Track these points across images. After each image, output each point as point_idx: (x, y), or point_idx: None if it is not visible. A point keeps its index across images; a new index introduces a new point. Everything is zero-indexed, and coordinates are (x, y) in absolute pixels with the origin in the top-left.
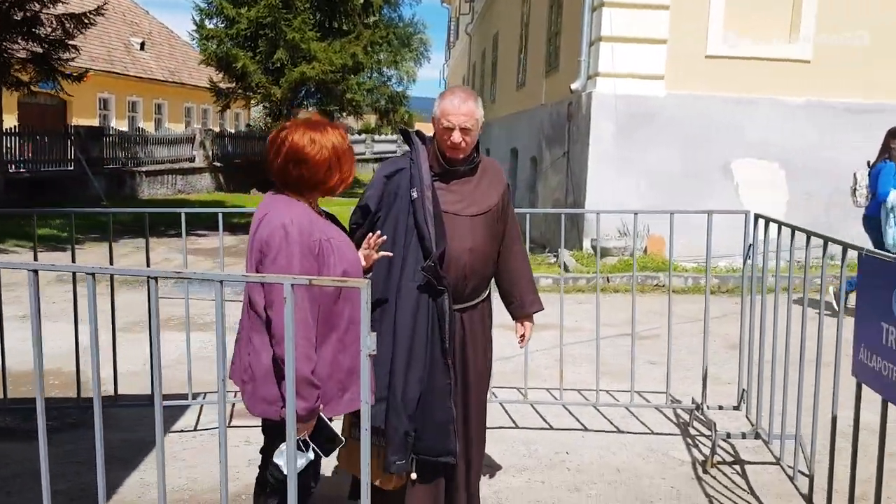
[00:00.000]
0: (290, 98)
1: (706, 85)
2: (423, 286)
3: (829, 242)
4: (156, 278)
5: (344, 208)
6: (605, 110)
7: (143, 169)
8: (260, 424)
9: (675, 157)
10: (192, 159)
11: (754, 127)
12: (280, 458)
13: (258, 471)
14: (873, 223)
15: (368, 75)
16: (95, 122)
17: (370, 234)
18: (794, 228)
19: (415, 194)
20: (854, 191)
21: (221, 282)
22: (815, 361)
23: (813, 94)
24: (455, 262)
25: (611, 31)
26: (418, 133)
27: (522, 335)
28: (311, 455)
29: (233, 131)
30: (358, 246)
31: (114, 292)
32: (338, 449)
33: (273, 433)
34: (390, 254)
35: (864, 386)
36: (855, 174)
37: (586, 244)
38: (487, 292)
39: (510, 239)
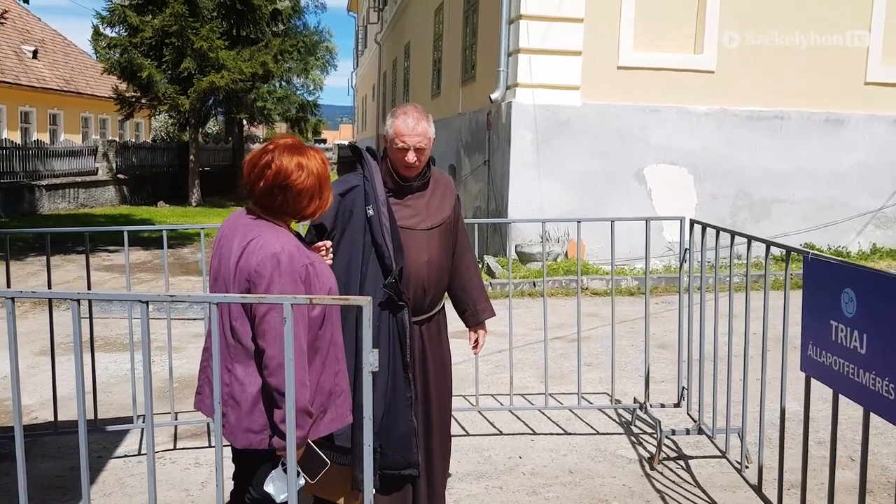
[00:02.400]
0: (198, 108)
1: (619, 95)
2: (384, 302)
3: (758, 243)
4: (146, 302)
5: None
6: (525, 119)
7: (43, 183)
8: (225, 449)
9: (592, 163)
10: (94, 172)
11: (664, 134)
12: (270, 487)
13: (229, 496)
14: None
15: (278, 84)
16: None
17: (321, 243)
18: (733, 233)
19: (371, 211)
20: None
21: (217, 304)
22: (761, 358)
23: (717, 103)
24: (414, 276)
25: (528, 43)
26: (369, 150)
27: (476, 341)
28: (302, 481)
29: (135, 141)
30: None
31: (52, 315)
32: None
33: (253, 461)
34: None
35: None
36: None
37: (510, 250)
38: (443, 303)
39: (461, 249)
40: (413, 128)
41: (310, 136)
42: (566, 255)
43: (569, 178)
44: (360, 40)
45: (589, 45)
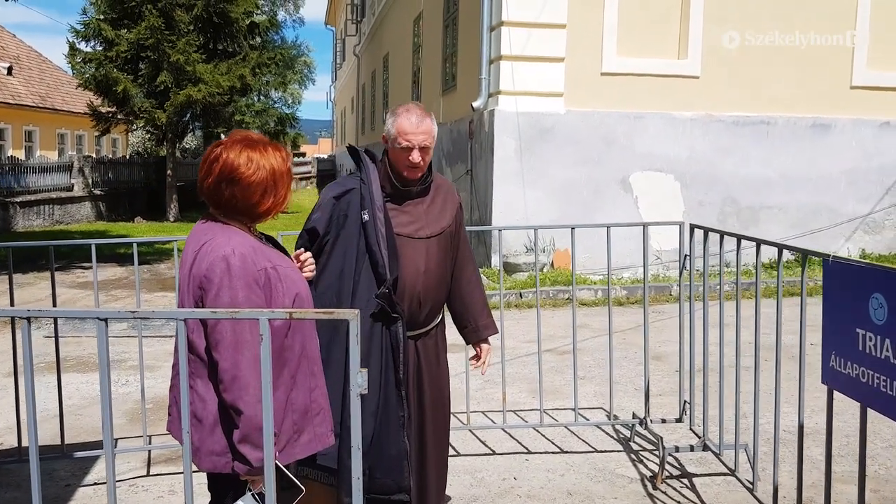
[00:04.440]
0: (175, 122)
1: (603, 101)
2: (377, 314)
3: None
4: (105, 319)
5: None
6: (508, 127)
7: (17, 199)
8: (205, 477)
9: (577, 171)
10: (70, 188)
11: (649, 141)
12: None
13: None
14: None
15: (256, 98)
16: None
17: (299, 251)
18: (739, 237)
19: (366, 216)
20: None
21: (185, 320)
22: (775, 368)
23: (703, 109)
24: (409, 287)
25: (510, 50)
26: (367, 152)
27: (477, 357)
28: None
29: (111, 157)
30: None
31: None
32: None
33: (223, 488)
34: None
35: (804, 392)
36: None
37: (494, 260)
38: (441, 317)
39: (463, 260)
40: (417, 125)
41: (288, 149)
42: (552, 264)
43: (554, 186)
44: (338, 53)
45: (572, 51)
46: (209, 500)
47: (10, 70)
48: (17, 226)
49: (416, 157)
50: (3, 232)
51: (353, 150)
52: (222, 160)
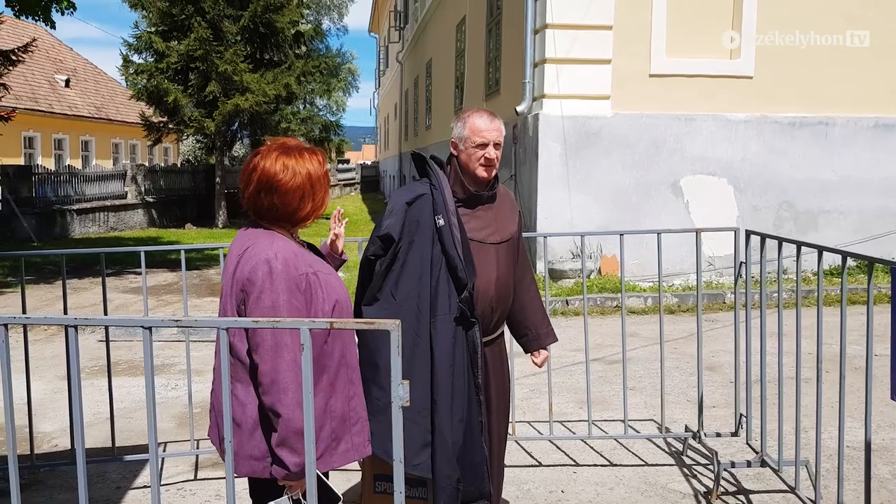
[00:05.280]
0: (223, 130)
1: (652, 103)
2: (458, 318)
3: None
4: (150, 328)
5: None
6: (553, 131)
7: (74, 207)
8: (246, 484)
9: (625, 175)
10: (123, 195)
11: (700, 143)
12: None
13: None
14: None
15: (301, 105)
16: (20, 161)
17: (337, 211)
18: (799, 244)
19: (441, 221)
20: None
21: (227, 329)
22: (839, 380)
23: (757, 110)
24: (483, 292)
25: (555, 53)
26: (433, 158)
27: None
28: None
29: (163, 165)
30: (368, 281)
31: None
32: None
33: (262, 493)
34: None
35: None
36: None
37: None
38: (504, 325)
39: (522, 269)
40: (490, 123)
41: (333, 156)
42: (599, 271)
43: (601, 190)
44: (381, 60)
45: (619, 52)
46: None
47: (67, 82)
48: (74, 232)
49: (491, 152)
50: (61, 238)
51: (418, 157)
52: (260, 169)
